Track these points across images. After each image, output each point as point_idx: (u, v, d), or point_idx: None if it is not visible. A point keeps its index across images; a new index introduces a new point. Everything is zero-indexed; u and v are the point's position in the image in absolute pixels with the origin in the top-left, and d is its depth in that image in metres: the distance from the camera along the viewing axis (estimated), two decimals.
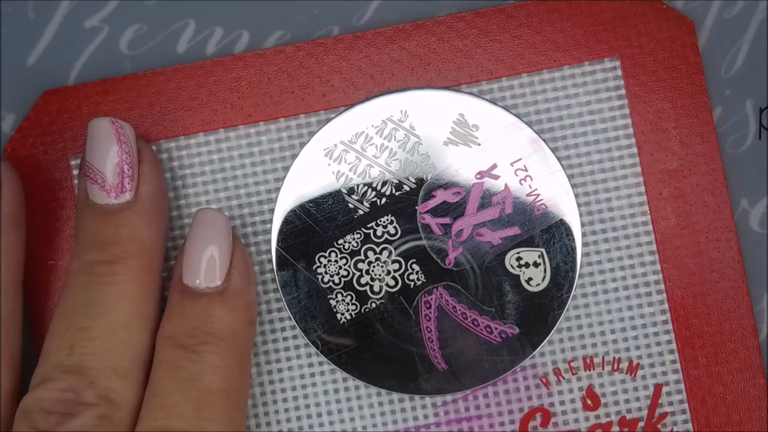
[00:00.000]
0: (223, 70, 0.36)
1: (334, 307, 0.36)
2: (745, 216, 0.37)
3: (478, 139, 0.36)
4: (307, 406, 0.36)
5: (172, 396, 0.32)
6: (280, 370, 0.36)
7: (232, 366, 0.33)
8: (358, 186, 0.36)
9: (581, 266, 0.36)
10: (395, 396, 0.36)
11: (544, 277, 0.36)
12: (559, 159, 0.36)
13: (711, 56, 0.37)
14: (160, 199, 0.34)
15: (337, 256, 0.36)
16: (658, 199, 0.36)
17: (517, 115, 0.36)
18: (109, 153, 0.33)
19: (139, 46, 0.37)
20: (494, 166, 0.36)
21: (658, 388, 0.36)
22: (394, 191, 0.36)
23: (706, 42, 0.37)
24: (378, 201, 0.36)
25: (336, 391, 0.36)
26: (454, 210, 0.36)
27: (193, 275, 0.33)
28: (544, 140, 0.36)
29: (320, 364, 0.36)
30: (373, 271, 0.36)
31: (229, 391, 0.32)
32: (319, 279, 0.36)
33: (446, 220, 0.36)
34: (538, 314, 0.36)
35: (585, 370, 0.36)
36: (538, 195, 0.36)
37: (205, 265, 0.33)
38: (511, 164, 0.36)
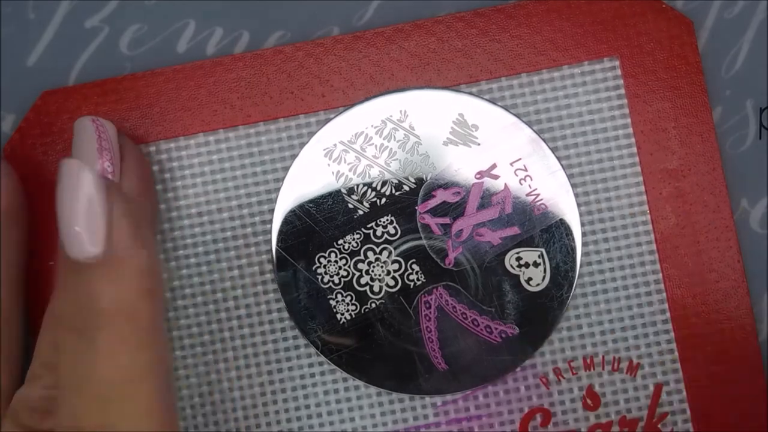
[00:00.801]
0: (223, 71, 0.36)
1: (334, 307, 0.36)
2: (745, 216, 0.37)
3: (478, 139, 0.36)
4: (307, 406, 0.36)
5: (73, 393, 0.29)
6: (280, 371, 0.36)
7: (132, 349, 0.29)
8: (357, 186, 0.36)
9: (581, 266, 0.36)
10: (395, 396, 0.36)
11: (543, 277, 0.36)
12: (558, 159, 0.36)
13: (711, 56, 0.37)
14: (145, 194, 0.34)
15: (336, 256, 0.36)
16: (657, 198, 0.36)
17: (517, 115, 0.36)
18: (90, 151, 0.33)
19: (139, 46, 0.37)
20: (494, 166, 0.36)
21: (658, 388, 0.36)
22: (393, 191, 0.36)
23: (706, 42, 0.37)
24: (378, 201, 0.36)
25: (336, 391, 0.36)
26: (453, 210, 0.36)
27: (69, 246, 0.28)
28: (544, 140, 0.36)
29: (320, 364, 0.36)
30: (372, 271, 0.36)
31: (133, 379, 0.28)
32: (319, 279, 0.36)
33: (446, 220, 0.36)
34: (538, 314, 0.36)
35: (585, 370, 0.36)
36: (538, 195, 0.36)
37: (76, 233, 0.28)
38: (511, 164, 0.36)
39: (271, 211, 0.36)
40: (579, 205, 0.36)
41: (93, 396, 0.28)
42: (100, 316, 0.28)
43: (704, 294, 0.36)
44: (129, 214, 0.29)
